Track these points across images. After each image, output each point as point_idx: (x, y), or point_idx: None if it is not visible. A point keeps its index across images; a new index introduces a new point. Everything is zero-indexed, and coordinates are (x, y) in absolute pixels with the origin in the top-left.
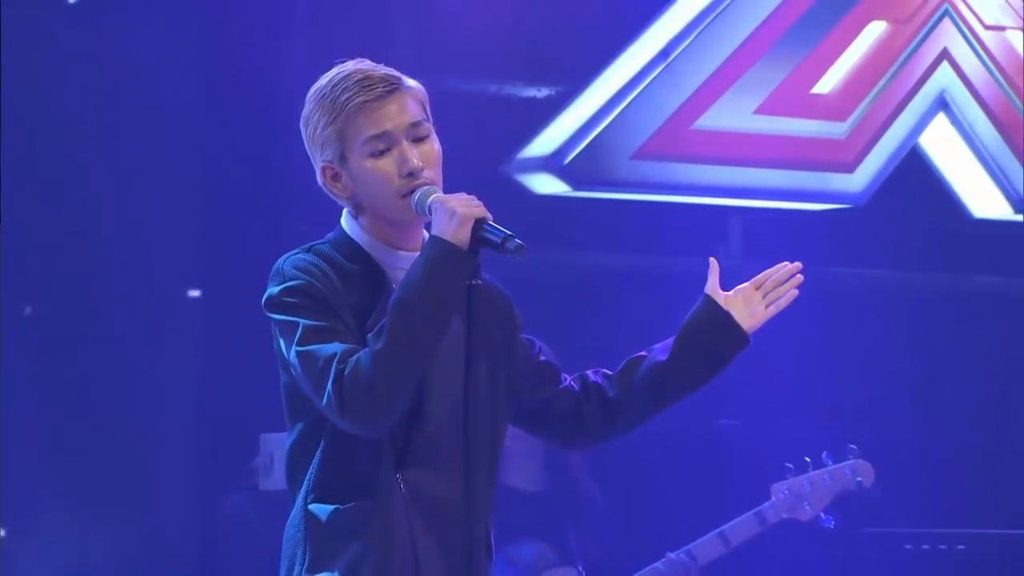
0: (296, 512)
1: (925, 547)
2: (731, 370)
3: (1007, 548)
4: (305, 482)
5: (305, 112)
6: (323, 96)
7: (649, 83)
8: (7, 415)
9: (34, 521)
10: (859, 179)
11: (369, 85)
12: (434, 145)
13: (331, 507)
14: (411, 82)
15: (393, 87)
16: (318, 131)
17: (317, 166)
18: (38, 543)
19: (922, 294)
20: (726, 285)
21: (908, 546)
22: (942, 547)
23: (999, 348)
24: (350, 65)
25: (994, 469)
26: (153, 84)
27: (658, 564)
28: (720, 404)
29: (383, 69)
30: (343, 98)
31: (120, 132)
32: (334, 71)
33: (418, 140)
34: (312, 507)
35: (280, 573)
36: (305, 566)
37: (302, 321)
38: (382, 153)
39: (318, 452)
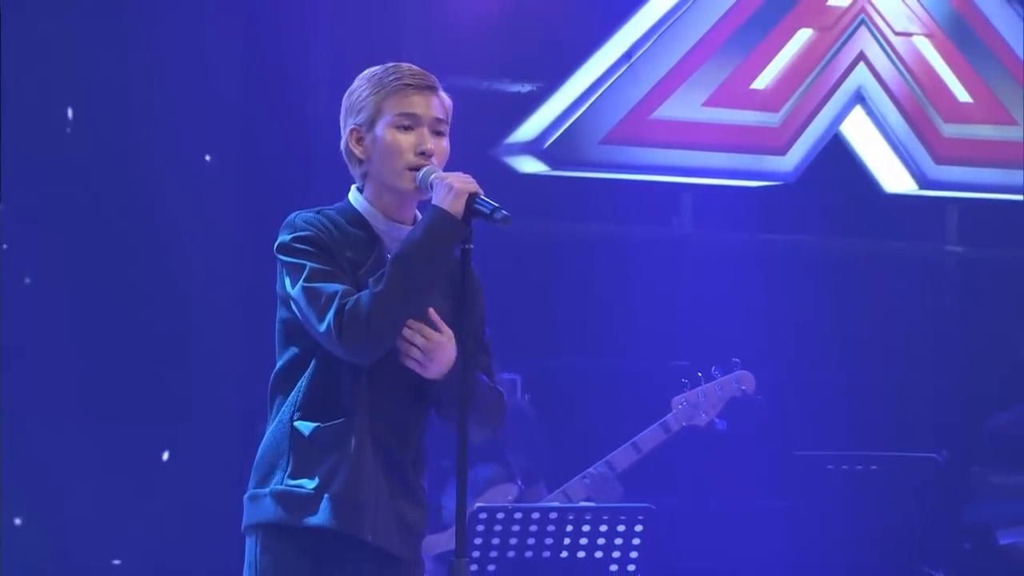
0: (280, 426)
1: (844, 467)
2: (684, 318)
3: (910, 467)
4: (290, 402)
5: (352, 87)
6: (374, 75)
7: (615, 80)
8: (66, 345)
9: (90, 441)
10: (789, 161)
11: (414, 76)
12: (445, 144)
13: (314, 424)
14: (444, 94)
15: (432, 87)
16: (360, 98)
17: (346, 130)
18: (90, 461)
19: (842, 256)
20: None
21: (830, 466)
22: (858, 467)
23: (906, 300)
24: (403, 63)
25: (901, 402)
26: (197, 75)
27: (580, 476)
28: (673, 348)
29: (429, 74)
30: (391, 78)
31: (167, 117)
32: (388, 64)
33: (437, 134)
34: (297, 424)
35: (254, 476)
36: (288, 472)
37: (309, 264)
38: (406, 129)
39: (304, 378)
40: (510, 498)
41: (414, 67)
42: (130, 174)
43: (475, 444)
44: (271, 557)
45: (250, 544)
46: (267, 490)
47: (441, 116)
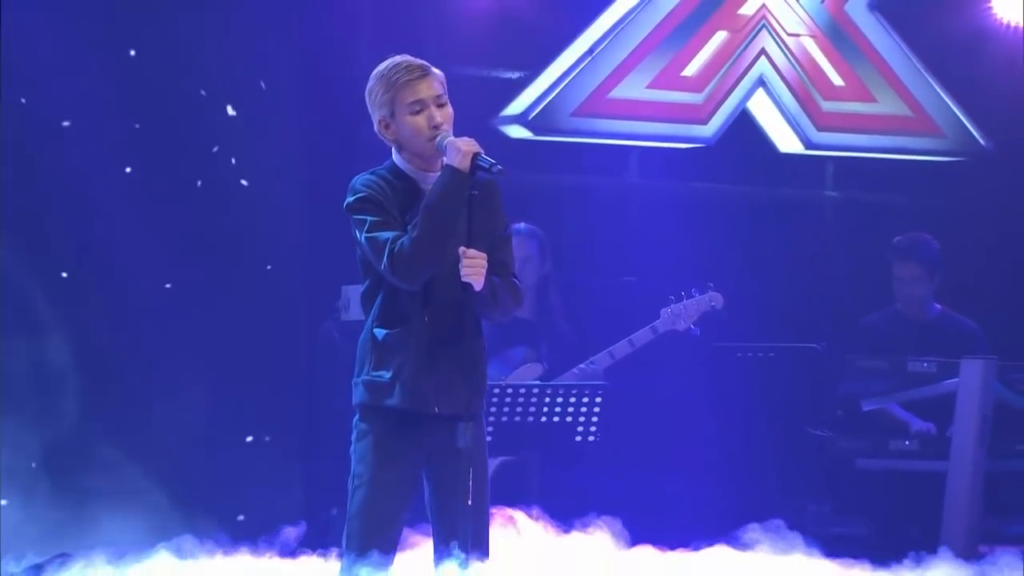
0: (366, 332)
1: (749, 355)
2: (630, 246)
3: (798, 354)
4: (371, 315)
5: (369, 86)
6: (382, 76)
7: (582, 69)
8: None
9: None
10: (710, 129)
11: (411, 69)
12: (449, 110)
13: (385, 331)
14: (436, 70)
15: (426, 72)
16: (378, 97)
17: (375, 120)
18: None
19: (748, 199)
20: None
21: (739, 354)
22: (760, 355)
23: (795, 232)
24: (398, 57)
25: (791, 306)
26: (258, 65)
27: (589, 361)
28: (622, 267)
29: (419, 60)
30: (395, 77)
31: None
32: (388, 61)
33: (440, 106)
34: (375, 330)
35: (355, 368)
36: (371, 366)
37: (369, 218)
38: (418, 112)
39: (379, 297)
40: (538, 375)
41: (409, 59)
42: (219, 132)
43: (501, 323)
44: (366, 425)
45: (356, 417)
46: (360, 379)
47: (439, 91)
